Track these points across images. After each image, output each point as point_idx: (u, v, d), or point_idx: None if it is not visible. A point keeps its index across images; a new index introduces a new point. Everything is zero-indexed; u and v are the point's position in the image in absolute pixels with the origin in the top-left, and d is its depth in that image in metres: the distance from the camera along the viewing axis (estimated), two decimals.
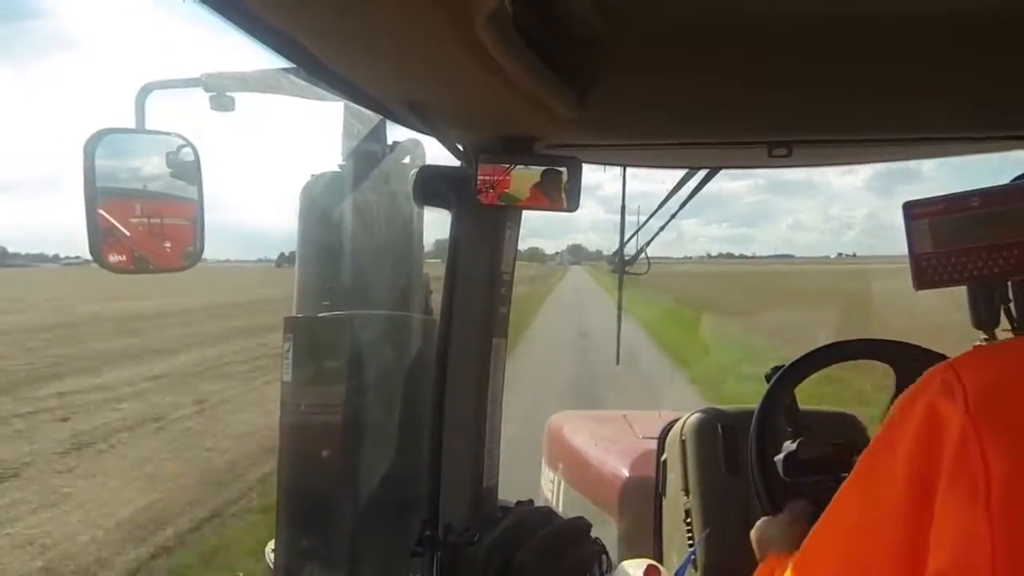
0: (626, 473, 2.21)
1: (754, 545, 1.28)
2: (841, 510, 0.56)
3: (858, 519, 0.53)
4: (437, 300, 1.62)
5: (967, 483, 0.44)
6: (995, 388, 0.47)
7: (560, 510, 2.48)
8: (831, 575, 0.55)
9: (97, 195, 1.18)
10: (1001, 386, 0.47)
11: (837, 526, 0.56)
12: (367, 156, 1.83)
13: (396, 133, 1.70)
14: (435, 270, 1.70)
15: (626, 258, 1.87)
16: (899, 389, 1.41)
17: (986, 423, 0.45)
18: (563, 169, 1.17)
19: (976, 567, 0.42)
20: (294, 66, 0.96)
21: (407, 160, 1.83)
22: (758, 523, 1.32)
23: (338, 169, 1.87)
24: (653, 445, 2.09)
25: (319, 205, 1.87)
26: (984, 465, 0.44)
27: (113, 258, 1.21)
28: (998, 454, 0.44)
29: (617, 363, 2.18)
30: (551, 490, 2.75)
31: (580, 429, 2.76)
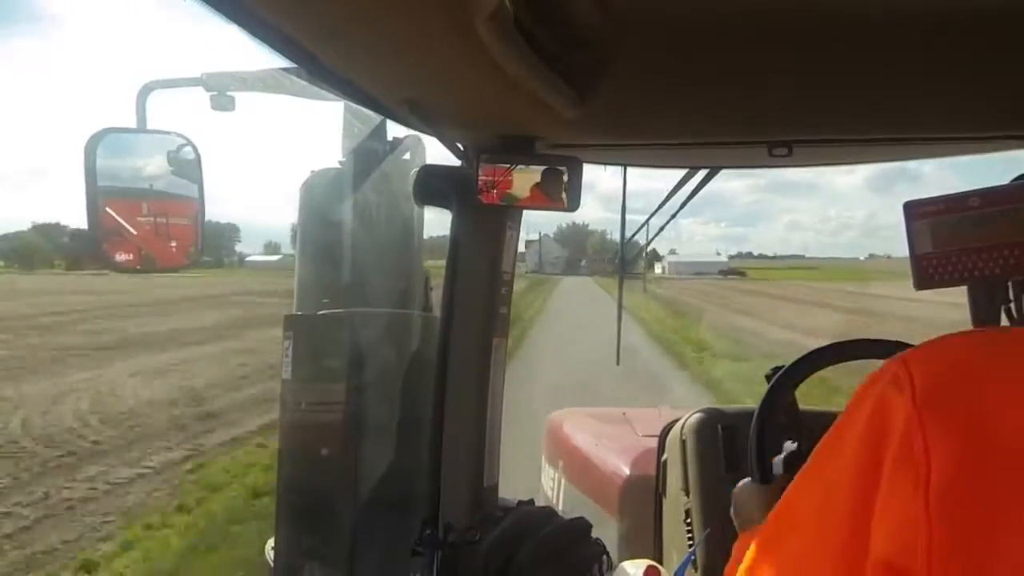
0: (626, 472, 2.21)
1: (732, 505, 1.28)
2: (797, 496, 0.58)
3: (811, 505, 0.55)
4: (437, 297, 1.63)
5: (909, 471, 0.46)
6: (943, 380, 0.49)
7: (560, 508, 2.49)
8: (790, 559, 0.56)
9: (98, 194, 1.18)
10: (950, 378, 0.49)
11: (794, 511, 0.58)
12: (367, 154, 1.83)
13: (396, 130, 1.70)
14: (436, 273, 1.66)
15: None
16: None
17: (931, 414, 0.47)
18: (564, 168, 1.17)
19: (912, 550, 0.44)
20: (295, 66, 0.96)
21: (407, 157, 1.83)
22: (741, 484, 1.31)
23: (338, 167, 1.87)
24: (653, 443, 2.09)
25: (319, 203, 1.86)
26: (926, 453, 0.46)
27: (120, 257, 1.22)
28: (940, 443, 0.46)
29: (617, 363, 2.17)
30: (551, 488, 2.75)
31: (580, 426, 2.76)
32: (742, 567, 0.62)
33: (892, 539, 0.46)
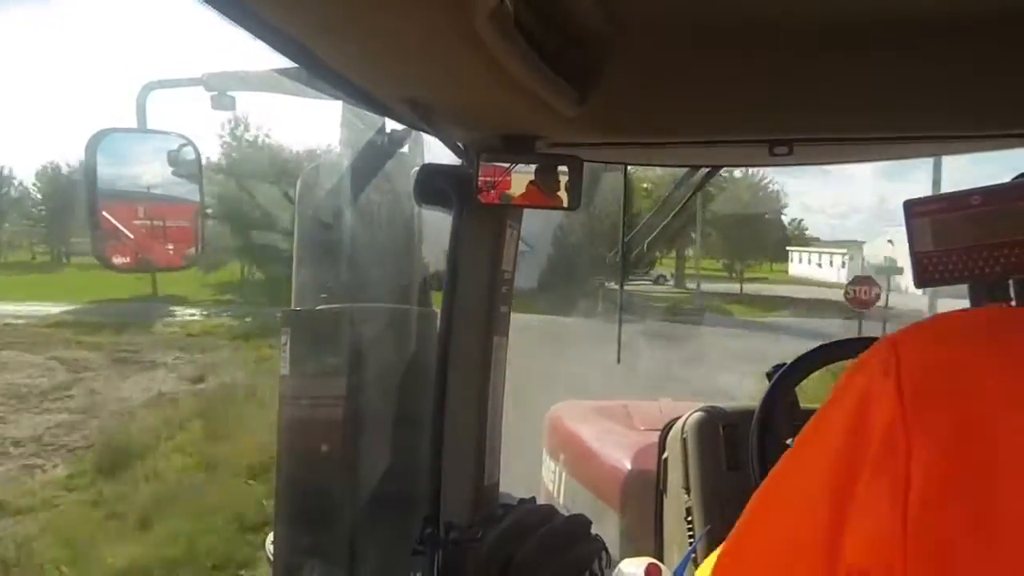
0: (628, 466, 2.22)
1: None
2: (775, 487, 0.54)
3: (789, 499, 0.51)
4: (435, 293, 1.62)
5: (889, 478, 0.42)
6: (934, 372, 0.44)
7: (561, 502, 2.50)
8: (762, 554, 0.52)
9: (99, 194, 1.18)
10: (941, 370, 0.44)
11: (770, 503, 0.54)
12: (366, 147, 1.82)
13: (396, 125, 1.70)
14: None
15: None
16: None
17: (917, 414, 0.42)
18: (564, 168, 1.17)
19: (888, 568, 0.41)
20: (295, 65, 0.96)
21: (406, 152, 1.83)
22: None
23: (336, 160, 1.87)
24: (654, 437, 2.10)
25: (317, 197, 1.86)
26: (907, 463, 0.41)
27: (117, 260, 1.22)
28: (923, 451, 0.41)
29: (618, 362, 2.18)
30: (552, 481, 2.76)
31: (581, 419, 2.76)
32: (714, 554, 0.57)
33: (867, 552, 0.42)
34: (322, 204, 1.86)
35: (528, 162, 1.17)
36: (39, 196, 37.87)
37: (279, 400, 1.72)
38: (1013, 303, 1.27)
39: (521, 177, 1.17)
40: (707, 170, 1.55)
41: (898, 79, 1.07)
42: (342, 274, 1.83)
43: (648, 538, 2.01)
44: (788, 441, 1.38)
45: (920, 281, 1.14)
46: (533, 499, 1.37)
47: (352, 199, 1.78)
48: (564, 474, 2.64)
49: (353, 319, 1.71)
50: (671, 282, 32.05)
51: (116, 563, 7.91)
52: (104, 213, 1.18)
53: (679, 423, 1.94)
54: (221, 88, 1.33)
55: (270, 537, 1.68)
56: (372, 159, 1.81)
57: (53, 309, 22.62)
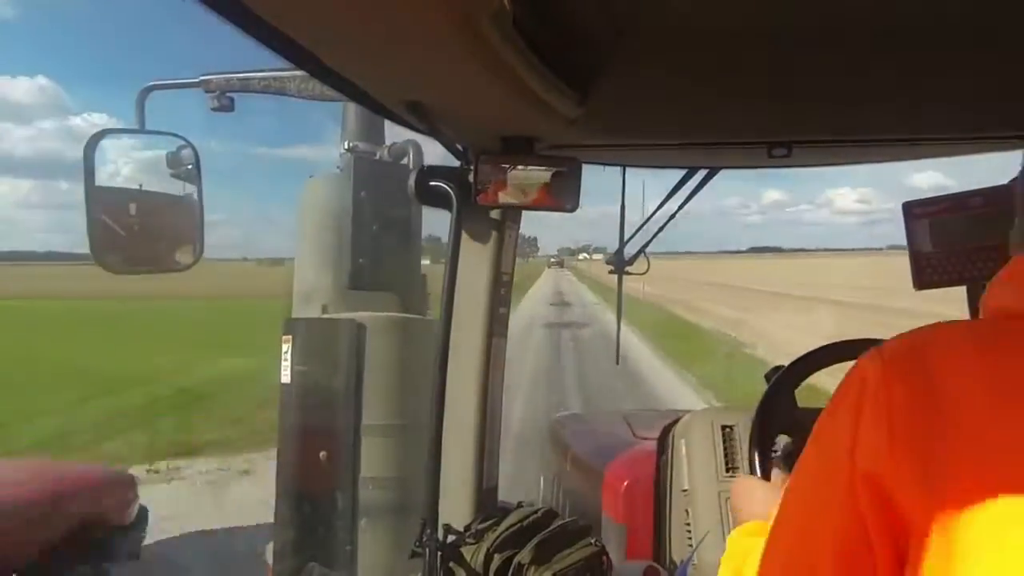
0: (626, 473, 2.21)
1: (733, 498, 1.22)
2: (801, 474, 0.70)
3: (816, 458, 0.68)
4: (435, 301, 1.63)
5: (878, 413, 0.61)
6: (909, 348, 0.64)
7: (561, 510, 2.49)
8: (789, 543, 0.70)
9: (97, 195, 1.18)
10: (915, 347, 0.64)
11: (798, 489, 0.70)
12: (366, 157, 1.83)
13: (396, 132, 1.70)
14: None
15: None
16: None
17: (894, 369, 0.62)
18: (563, 169, 1.17)
19: (883, 461, 0.60)
20: (295, 67, 0.96)
21: (406, 160, 1.83)
22: (739, 478, 1.25)
23: (337, 170, 1.88)
24: (653, 445, 2.09)
25: (318, 206, 1.87)
26: (888, 396, 0.61)
27: (112, 259, 1.21)
28: (901, 389, 0.61)
29: (617, 363, 2.18)
30: (552, 490, 2.76)
31: (581, 429, 2.76)
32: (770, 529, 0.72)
33: (869, 457, 0.61)
34: (324, 213, 1.87)
35: (527, 163, 1.17)
36: None
37: (280, 407, 1.73)
38: None
39: (520, 178, 1.18)
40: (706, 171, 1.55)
41: (898, 80, 1.07)
42: (343, 282, 1.83)
43: (647, 545, 2.00)
44: (786, 442, 1.38)
45: (919, 283, 1.14)
46: (532, 503, 1.36)
47: (353, 208, 1.79)
48: (564, 483, 2.64)
49: (353, 326, 1.71)
50: None
51: None
52: (101, 212, 1.17)
53: (677, 425, 1.93)
54: (221, 90, 1.33)
55: (270, 544, 1.68)
56: (373, 169, 1.82)
57: None
